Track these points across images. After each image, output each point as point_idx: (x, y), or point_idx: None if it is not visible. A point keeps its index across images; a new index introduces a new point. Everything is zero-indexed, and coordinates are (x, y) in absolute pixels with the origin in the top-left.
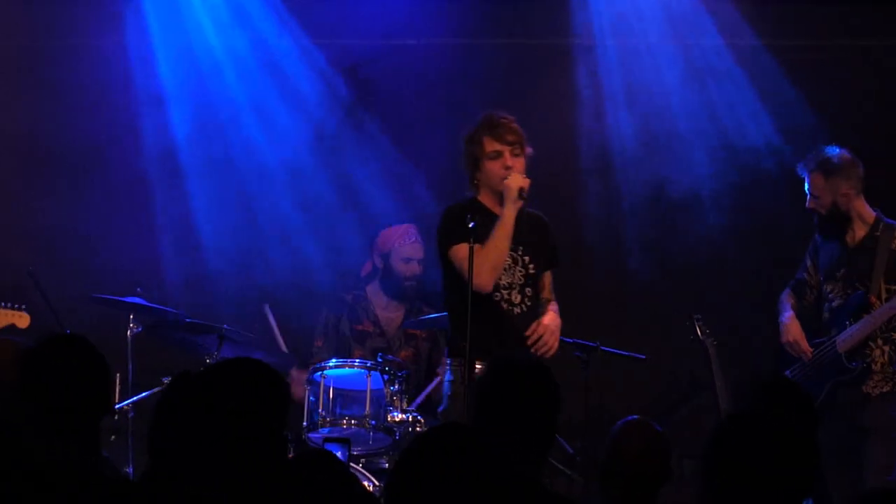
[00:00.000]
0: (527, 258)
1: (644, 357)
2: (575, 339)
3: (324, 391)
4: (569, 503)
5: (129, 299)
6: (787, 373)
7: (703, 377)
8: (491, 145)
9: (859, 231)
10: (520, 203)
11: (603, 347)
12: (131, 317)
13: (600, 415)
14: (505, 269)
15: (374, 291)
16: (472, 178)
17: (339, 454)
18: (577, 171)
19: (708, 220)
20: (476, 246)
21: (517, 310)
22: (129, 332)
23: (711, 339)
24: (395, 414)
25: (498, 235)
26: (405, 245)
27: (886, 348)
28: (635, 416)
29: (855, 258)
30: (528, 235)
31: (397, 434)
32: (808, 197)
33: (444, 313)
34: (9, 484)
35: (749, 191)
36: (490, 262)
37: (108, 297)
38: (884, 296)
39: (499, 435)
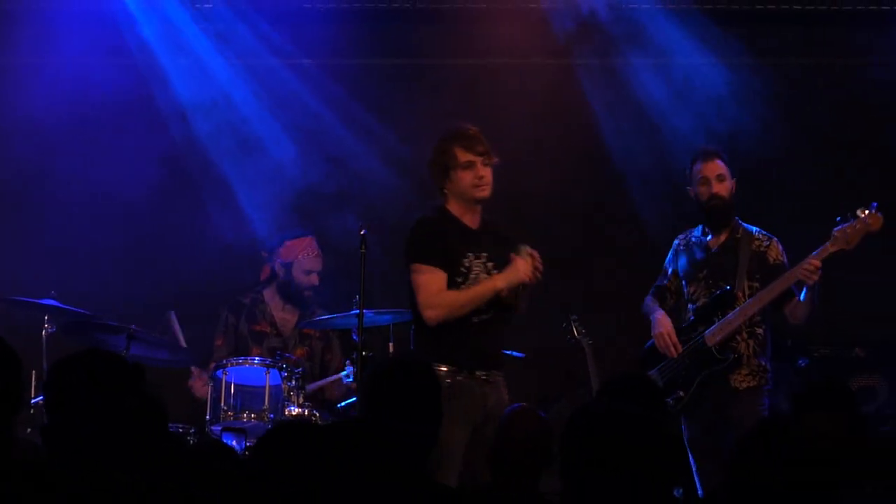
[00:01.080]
0: (490, 264)
1: (522, 355)
2: None
3: (225, 387)
4: (449, 490)
5: (44, 301)
6: (655, 371)
7: (579, 375)
8: (464, 156)
9: (724, 232)
10: (514, 285)
11: None
12: (46, 318)
13: None
14: (475, 279)
15: (271, 295)
16: (442, 187)
17: (234, 443)
18: None
19: (576, 221)
20: (442, 283)
21: (485, 316)
22: (43, 333)
23: (587, 338)
24: (292, 408)
25: (473, 298)
26: (308, 258)
27: (751, 342)
28: (521, 404)
29: (717, 259)
30: (492, 245)
31: None
32: (713, 182)
33: (337, 315)
34: None
35: (613, 192)
36: (451, 310)
37: (24, 299)
38: (747, 292)
39: (387, 427)
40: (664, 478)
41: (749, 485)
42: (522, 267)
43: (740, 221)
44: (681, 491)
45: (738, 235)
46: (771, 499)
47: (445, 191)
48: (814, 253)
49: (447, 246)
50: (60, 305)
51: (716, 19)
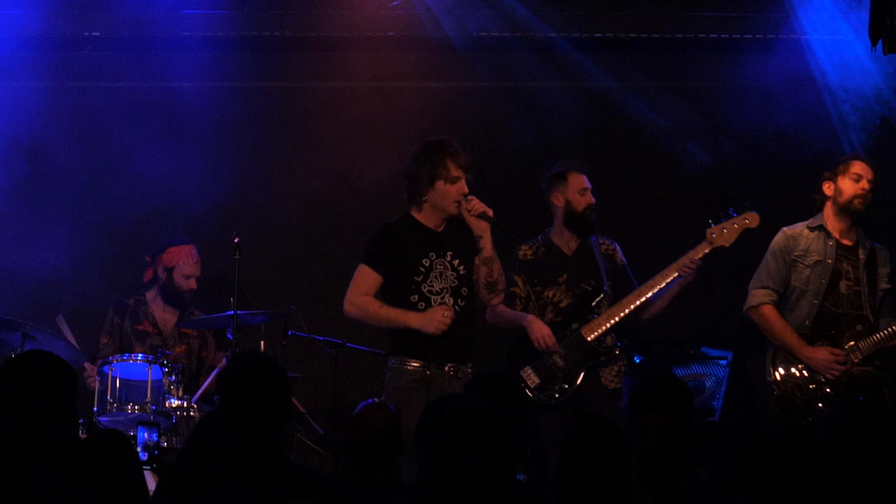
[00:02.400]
0: (456, 261)
1: (384, 352)
2: (325, 337)
3: (111, 381)
4: (310, 471)
5: None
6: (530, 368)
7: None
8: (455, 170)
9: (573, 242)
10: (426, 331)
11: (349, 344)
12: None
13: (347, 401)
14: (437, 277)
15: (153, 297)
16: (422, 194)
17: (147, 434)
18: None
19: None
20: (373, 299)
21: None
22: None
23: None
24: (172, 400)
25: (386, 317)
26: (188, 264)
27: (613, 335)
28: (374, 399)
29: (575, 264)
30: (458, 244)
31: (174, 418)
32: (589, 193)
33: (213, 315)
34: None
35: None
36: (363, 315)
37: None
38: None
39: (240, 416)
40: (507, 463)
41: (577, 475)
42: (436, 320)
43: None
44: (523, 476)
45: (588, 241)
46: (597, 486)
47: (424, 198)
48: (690, 252)
49: (402, 252)
50: None
51: (560, 46)
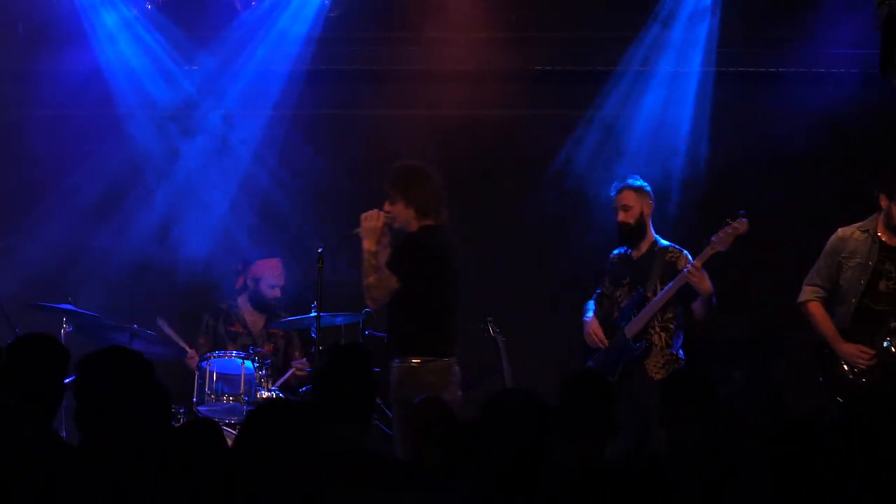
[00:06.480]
0: None
1: None
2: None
3: (209, 375)
4: (381, 459)
5: (62, 306)
6: (590, 362)
7: (492, 365)
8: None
9: (644, 246)
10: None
11: None
12: (64, 319)
13: None
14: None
15: (243, 302)
16: None
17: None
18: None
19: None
20: None
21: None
22: (62, 332)
23: (501, 336)
24: (263, 392)
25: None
26: (273, 276)
27: (663, 334)
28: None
29: (638, 267)
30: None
31: None
32: (620, 211)
33: (298, 317)
34: None
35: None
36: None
37: (46, 304)
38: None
39: (328, 407)
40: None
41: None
42: None
43: (658, 238)
44: None
45: (656, 249)
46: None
47: None
48: (696, 258)
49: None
50: (76, 309)
51: None
